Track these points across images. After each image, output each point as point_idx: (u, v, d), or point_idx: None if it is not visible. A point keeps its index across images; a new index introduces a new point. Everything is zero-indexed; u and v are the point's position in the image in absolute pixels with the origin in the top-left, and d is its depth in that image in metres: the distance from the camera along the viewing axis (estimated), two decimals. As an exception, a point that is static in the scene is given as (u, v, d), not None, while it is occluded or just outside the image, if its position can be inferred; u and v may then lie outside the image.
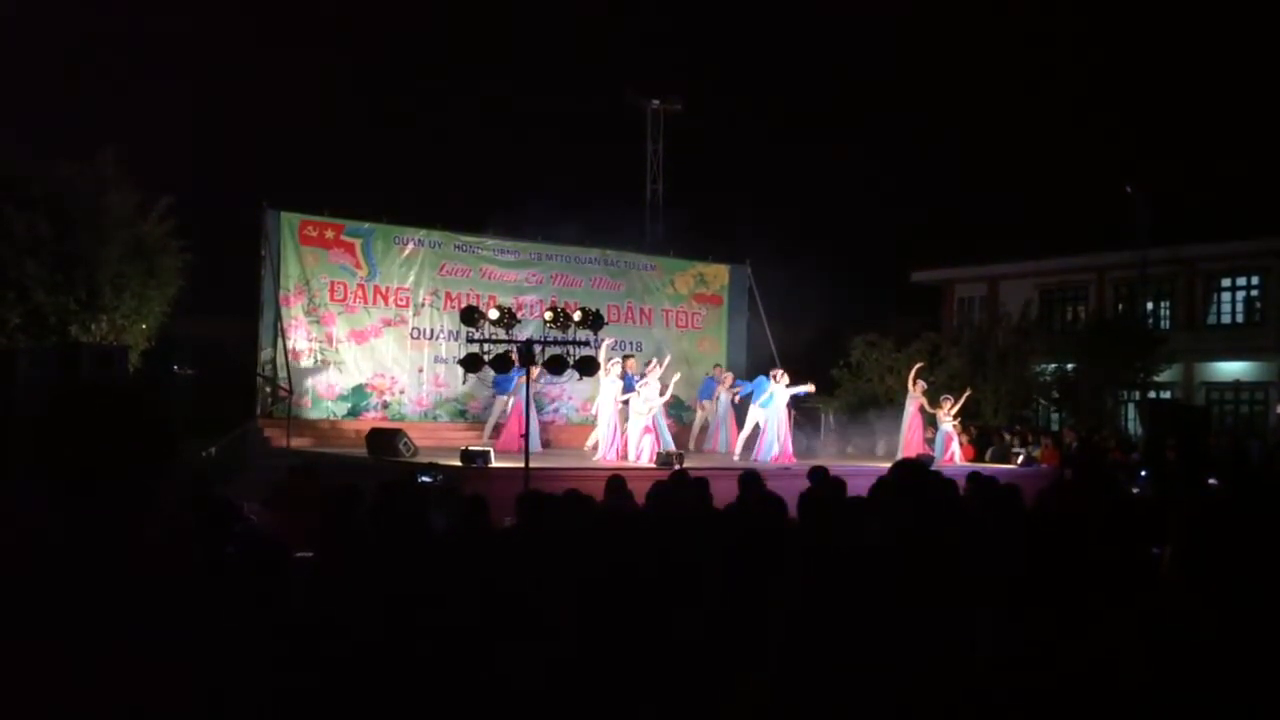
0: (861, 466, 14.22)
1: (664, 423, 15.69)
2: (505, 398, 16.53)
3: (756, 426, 16.63)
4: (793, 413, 17.11)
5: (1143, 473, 15.58)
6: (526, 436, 12.33)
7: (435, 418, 18.50)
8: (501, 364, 12.42)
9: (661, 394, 15.52)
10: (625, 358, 16.52)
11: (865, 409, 21.76)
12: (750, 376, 18.86)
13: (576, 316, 13.12)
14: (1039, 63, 39.38)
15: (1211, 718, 2.97)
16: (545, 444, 16.77)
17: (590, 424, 17.18)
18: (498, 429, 16.59)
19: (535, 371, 12.41)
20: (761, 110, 41.96)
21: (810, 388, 17.24)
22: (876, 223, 32.72)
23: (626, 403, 15.35)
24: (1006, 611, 3.34)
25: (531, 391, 13.39)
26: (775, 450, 16.12)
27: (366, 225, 18.30)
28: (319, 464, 9.08)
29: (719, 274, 22.24)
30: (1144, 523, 4.82)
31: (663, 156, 24.90)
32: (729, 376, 18.73)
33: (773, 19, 45.62)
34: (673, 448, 15.05)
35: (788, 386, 16.40)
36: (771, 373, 16.84)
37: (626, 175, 25.56)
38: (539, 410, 17.88)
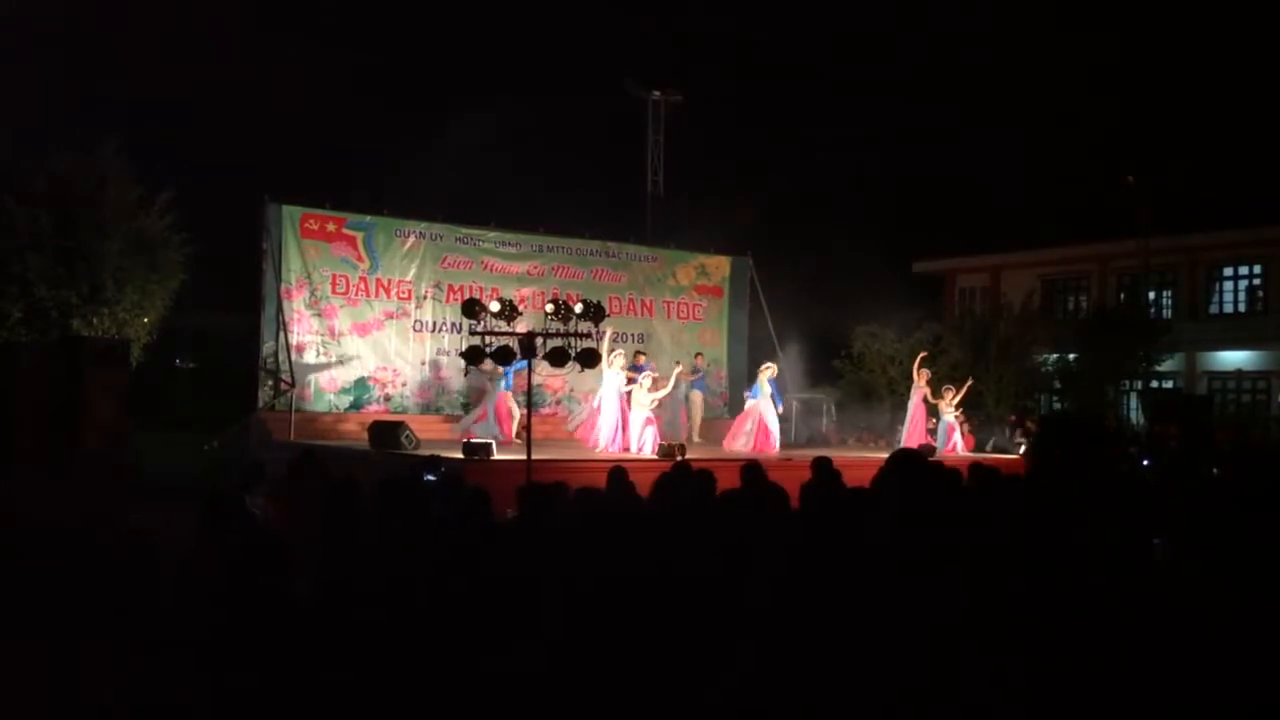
0: (864, 457, 14.24)
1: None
2: (507, 391, 16.52)
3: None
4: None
5: (1145, 462, 15.57)
6: (529, 429, 12.35)
7: (438, 410, 18.51)
8: (503, 356, 12.42)
9: (660, 387, 15.50)
10: (637, 353, 16.59)
11: (867, 399, 21.77)
12: (751, 368, 18.94)
13: (578, 308, 13.10)
14: (1039, 52, 39.30)
15: (1212, 702, 2.98)
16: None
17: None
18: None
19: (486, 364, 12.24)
20: (762, 100, 41.91)
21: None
22: (878, 213, 32.70)
23: (629, 394, 15.33)
24: (1006, 602, 3.35)
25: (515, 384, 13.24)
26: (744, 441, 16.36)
27: (368, 218, 18.30)
28: (319, 455, 9.05)
29: (720, 265, 22.24)
30: (1142, 510, 4.82)
31: (663, 148, 24.83)
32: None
33: (774, 7, 45.56)
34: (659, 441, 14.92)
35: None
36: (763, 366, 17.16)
37: (627, 167, 25.52)
38: (540, 403, 17.87)
